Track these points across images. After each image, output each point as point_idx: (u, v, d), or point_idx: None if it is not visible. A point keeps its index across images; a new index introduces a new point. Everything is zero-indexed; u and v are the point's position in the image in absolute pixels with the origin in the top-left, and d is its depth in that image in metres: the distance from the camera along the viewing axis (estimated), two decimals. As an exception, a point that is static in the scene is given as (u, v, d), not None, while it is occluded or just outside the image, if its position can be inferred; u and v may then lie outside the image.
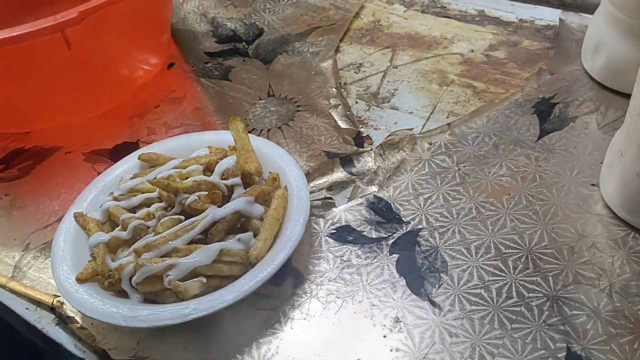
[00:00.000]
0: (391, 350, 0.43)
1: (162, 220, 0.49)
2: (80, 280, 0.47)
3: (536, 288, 0.45)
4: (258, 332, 0.45)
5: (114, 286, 0.47)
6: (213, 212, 0.48)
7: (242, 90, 0.69)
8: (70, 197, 0.59)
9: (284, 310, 0.46)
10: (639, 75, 0.45)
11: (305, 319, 0.46)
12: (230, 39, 0.77)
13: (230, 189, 0.51)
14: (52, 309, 0.49)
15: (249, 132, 0.58)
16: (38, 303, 0.50)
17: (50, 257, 0.52)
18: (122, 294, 0.47)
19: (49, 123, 0.67)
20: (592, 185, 0.52)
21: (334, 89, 0.66)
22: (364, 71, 0.69)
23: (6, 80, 0.62)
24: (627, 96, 0.55)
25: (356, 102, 0.65)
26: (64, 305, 0.49)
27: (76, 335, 0.47)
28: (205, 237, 0.48)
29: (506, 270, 0.46)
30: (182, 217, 0.50)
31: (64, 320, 0.48)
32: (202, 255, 0.46)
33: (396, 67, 0.69)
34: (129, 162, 0.57)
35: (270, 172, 0.53)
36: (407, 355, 0.42)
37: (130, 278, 0.46)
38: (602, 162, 0.53)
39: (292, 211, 0.50)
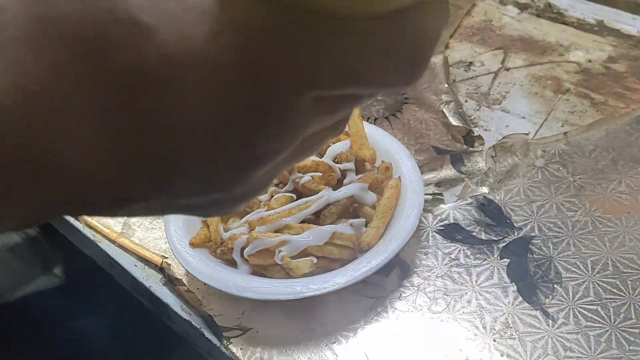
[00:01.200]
0: (502, 355, 0.42)
1: (275, 196, 0.50)
2: (193, 244, 0.48)
3: (656, 312, 0.43)
4: (363, 317, 0.45)
5: (225, 255, 0.48)
6: (328, 194, 0.48)
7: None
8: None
9: (391, 300, 0.46)
10: None
11: (411, 311, 0.45)
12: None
13: (343, 173, 0.51)
14: (160, 269, 0.50)
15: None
16: (146, 261, 0.52)
17: (158, 218, 0.53)
18: (231, 264, 0.48)
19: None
20: None
21: (445, 85, 0.65)
22: (474, 70, 0.68)
23: None
24: None
25: (466, 100, 0.64)
26: (171, 267, 0.50)
27: (183, 297, 0.48)
28: (316, 217, 0.48)
29: (625, 290, 0.45)
30: (294, 196, 0.50)
31: (172, 281, 0.49)
32: (315, 235, 0.46)
33: (508, 70, 0.68)
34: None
35: (383, 161, 0.53)
36: (517, 362, 0.41)
37: (242, 249, 0.47)
38: None
39: (405, 203, 0.49)
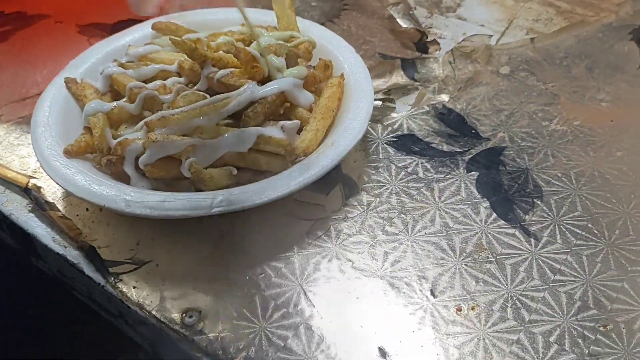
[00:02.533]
0: (477, 282, 0.32)
1: (183, 94, 0.38)
2: (69, 153, 0.36)
3: (657, 228, 0.35)
4: (297, 244, 0.35)
5: (114, 166, 0.36)
6: (252, 89, 0.37)
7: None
8: (57, 70, 0.47)
9: (333, 223, 0.36)
10: None
11: (360, 234, 0.35)
12: None
13: (270, 73, 0.40)
14: (26, 191, 0.38)
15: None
16: (8, 184, 0.39)
17: (27, 134, 0.41)
18: (122, 179, 0.36)
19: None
20: None
21: (390, -9, 0.55)
22: (423, -22, 0.59)
23: None
24: None
25: (415, 8, 0.54)
26: (41, 190, 0.38)
27: (56, 226, 0.36)
28: (236, 120, 0.37)
29: (618, 203, 0.37)
30: (208, 96, 0.38)
31: (40, 206, 0.37)
32: (235, 139, 0.35)
33: (461, -22, 0.58)
34: (140, 32, 0.46)
35: (320, 59, 0.42)
36: (499, 290, 0.32)
37: (136, 158, 0.35)
38: None
39: (350, 103, 0.39)
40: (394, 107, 0.44)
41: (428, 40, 0.49)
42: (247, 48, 0.39)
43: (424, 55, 0.48)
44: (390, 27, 0.51)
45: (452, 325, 0.31)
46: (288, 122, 0.37)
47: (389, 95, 0.45)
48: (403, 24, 0.50)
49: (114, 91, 0.40)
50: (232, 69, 0.39)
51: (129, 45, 0.43)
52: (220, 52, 0.40)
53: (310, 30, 0.44)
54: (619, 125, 0.42)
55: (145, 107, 0.38)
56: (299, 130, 0.38)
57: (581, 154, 0.40)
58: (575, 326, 0.30)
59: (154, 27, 0.45)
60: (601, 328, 0.30)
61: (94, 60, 0.43)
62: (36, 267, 0.39)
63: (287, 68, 0.40)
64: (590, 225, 0.35)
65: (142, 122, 0.36)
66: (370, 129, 0.42)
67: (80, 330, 0.43)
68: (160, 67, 0.40)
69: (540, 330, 0.30)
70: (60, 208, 0.37)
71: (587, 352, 0.29)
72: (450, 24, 0.52)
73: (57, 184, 0.34)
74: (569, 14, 0.53)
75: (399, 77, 0.46)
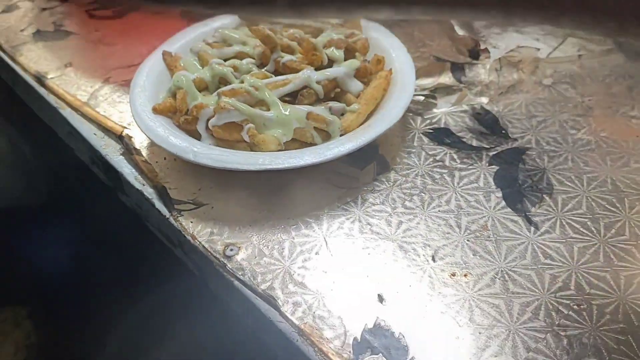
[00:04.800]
0: (474, 254, 0.38)
1: (252, 72, 0.45)
2: (156, 110, 0.44)
3: (653, 233, 0.39)
4: (328, 205, 0.41)
5: (189, 125, 0.44)
6: (309, 73, 0.44)
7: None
8: (160, 45, 0.56)
9: (362, 193, 0.42)
10: None
11: (382, 204, 0.41)
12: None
13: (331, 62, 0.47)
14: (120, 138, 0.47)
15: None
16: (107, 131, 0.48)
17: (127, 95, 0.50)
18: (194, 136, 0.44)
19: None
20: None
21: None
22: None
23: None
24: None
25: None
26: (132, 139, 0.47)
27: (139, 168, 0.45)
28: (293, 99, 0.44)
29: (621, 208, 0.40)
30: (273, 75, 0.46)
31: (129, 151, 0.46)
32: (289, 114, 0.42)
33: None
34: (229, 19, 0.54)
35: (375, 54, 0.48)
36: (490, 264, 0.37)
37: (208, 120, 0.43)
38: None
39: (392, 95, 0.45)
40: (436, 104, 0.49)
41: (480, 48, 0.54)
42: (310, 39, 0.46)
43: (474, 61, 0.53)
44: (449, 34, 0.56)
45: (445, 286, 0.36)
46: (336, 104, 0.44)
47: (434, 93, 0.50)
48: (460, 31, 0.55)
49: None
50: (297, 56, 0.46)
51: (219, 29, 0.51)
52: (289, 40, 0.47)
53: (372, 29, 0.51)
54: (639, 140, 0.45)
55: (220, 81, 0.46)
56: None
57: (599, 161, 0.44)
58: (552, 301, 0.35)
59: (241, 17, 0.53)
60: (575, 306, 0.35)
61: (188, 39, 0.51)
62: (121, 201, 0.48)
63: (345, 60, 0.47)
64: (589, 223, 0.39)
65: (216, 92, 0.44)
66: (411, 120, 0.48)
67: (149, 256, 0.51)
68: (239, 48, 0.48)
69: (520, 301, 0.35)
70: (144, 155, 0.45)
71: (557, 323, 0.34)
72: (507, 36, 0.57)
73: (143, 133, 0.43)
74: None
75: (446, 78, 0.51)
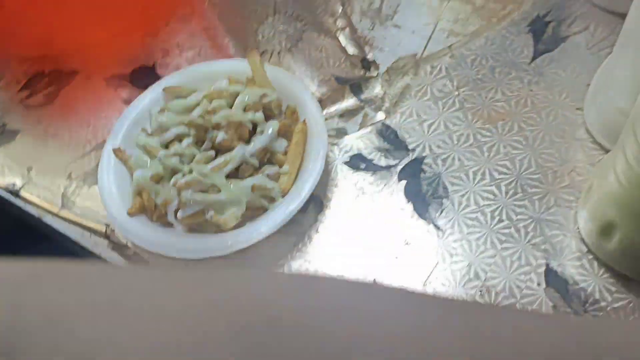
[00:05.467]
0: (403, 270, 0.51)
1: (196, 158, 0.55)
2: (131, 214, 0.54)
3: (524, 211, 0.53)
4: (289, 253, 0.54)
5: (161, 219, 0.54)
6: (242, 151, 0.54)
7: (248, 6, 0.71)
8: (99, 124, 0.64)
9: (309, 234, 0.54)
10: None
11: (327, 240, 0.54)
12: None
13: (254, 122, 0.57)
14: (106, 236, 0.57)
15: (261, 54, 0.62)
16: (91, 230, 0.58)
17: (92, 186, 0.59)
18: (168, 225, 0.54)
19: (63, 45, 0.70)
20: (577, 109, 0.58)
21: (338, 4, 0.69)
22: (367, -17, 0.71)
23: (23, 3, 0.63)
24: (617, 14, 0.60)
25: (360, 20, 0.68)
26: (115, 233, 0.57)
27: (131, 259, 0.55)
28: (236, 171, 0.55)
29: (499, 195, 0.54)
30: (213, 153, 0.55)
31: (118, 247, 0.56)
32: (237, 191, 0.53)
33: (397, -21, 0.71)
34: (154, 93, 0.61)
35: (288, 105, 0.58)
36: (415, 273, 0.51)
37: (175, 211, 0.54)
38: (588, 85, 0.58)
39: (311, 146, 0.56)
40: (346, 130, 0.60)
41: (370, 60, 0.64)
42: (234, 116, 0.55)
43: (367, 74, 0.63)
44: (340, 47, 0.65)
45: (388, 300, 0.50)
46: (271, 171, 0.54)
47: (343, 118, 0.61)
48: (349, 49, 0.65)
49: (149, 155, 0.57)
50: (226, 133, 0.55)
51: (149, 112, 0.59)
52: (219, 115, 0.56)
53: (278, 77, 0.60)
54: (509, 122, 0.58)
55: (173, 171, 0.55)
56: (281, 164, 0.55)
57: (478, 154, 0.57)
58: (463, 294, 0.50)
59: (165, 91, 0.61)
60: (479, 294, 0.50)
61: (127, 126, 0.59)
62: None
63: (265, 118, 0.57)
64: (480, 216, 0.53)
65: (172, 184, 0.54)
66: (330, 152, 0.59)
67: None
68: (177, 131, 0.57)
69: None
70: (130, 246, 0.56)
71: (467, 308, 0.49)
72: (388, 35, 0.66)
73: (134, 242, 0.53)
74: (481, 10, 0.67)
75: (350, 101, 0.62)
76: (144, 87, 0.65)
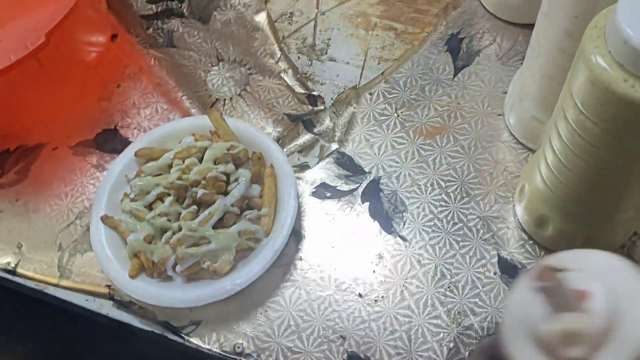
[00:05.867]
0: (381, 281, 0.60)
1: (182, 215, 0.61)
2: (132, 276, 0.60)
3: (471, 212, 0.63)
4: (281, 283, 0.61)
5: (161, 275, 0.60)
6: (223, 203, 0.61)
7: (192, 57, 0.76)
8: (77, 193, 0.68)
9: (294, 263, 0.62)
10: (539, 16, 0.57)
11: (311, 266, 0.61)
12: (161, -2, 0.81)
13: (227, 174, 0.63)
14: (110, 297, 0.62)
15: (212, 104, 0.69)
16: (94, 294, 0.63)
17: (85, 253, 0.64)
18: (167, 278, 0.60)
19: (23, 121, 0.73)
20: (499, 115, 0.68)
21: (276, 46, 0.75)
22: (296, 21, 0.78)
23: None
24: (518, 25, 0.70)
25: (298, 57, 0.75)
26: (118, 291, 0.62)
27: (138, 314, 0.61)
28: (221, 221, 0.61)
29: (449, 201, 0.63)
30: (195, 207, 0.62)
31: (124, 305, 0.61)
32: (227, 239, 0.59)
33: (323, 14, 0.78)
34: (126, 158, 0.66)
35: (254, 152, 0.65)
36: (393, 282, 0.60)
37: (172, 266, 0.60)
38: (504, 92, 0.68)
39: (282, 186, 0.63)
40: (309, 165, 0.67)
41: (316, 95, 0.71)
42: (209, 173, 0.61)
43: (315, 109, 0.70)
44: (286, 85, 0.72)
45: (374, 308, 0.59)
46: (251, 215, 0.61)
47: (302, 153, 0.68)
48: (296, 89, 0.72)
49: (136, 217, 0.63)
50: (205, 188, 0.61)
51: (125, 176, 0.65)
52: (194, 172, 0.62)
53: (238, 128, 0.66)
54: (445, 135, 0.67)
55: (162, 230, 0.61)
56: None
57: (426, 168, 0.66)
58: (435, 293, 0.59)
59: (136, 155, 0.66)
60: (448, 290, 0.59)
61: (107, 194, 0.64)
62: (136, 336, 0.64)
63: (235, 168, 0.63)
64: (437, 223, 0.62)
65: (164, 242, 0.60)
66: (298, 187, 0.66)
67: None
68: (158, 191, 0.63)
69: (418, 298, 0.59)
70: (135, 302, 0.62)
71: (446, 306, 0.58)
72: (326, 68, 0.74)
73: (140, 300, 0.59)
74: (403, 34, 0.75)
75: (305, 136, 0.69)
76: (111, 150, 0.71)
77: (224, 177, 0.62)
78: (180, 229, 0.60)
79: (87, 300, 0.63)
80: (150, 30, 0.79)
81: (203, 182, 0.62)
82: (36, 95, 0.72)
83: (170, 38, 0.78)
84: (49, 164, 0.71)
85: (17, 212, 0.68)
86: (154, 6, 0.81)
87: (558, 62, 0.54)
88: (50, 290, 0.63)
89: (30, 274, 0.64)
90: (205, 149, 0.64)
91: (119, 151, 0.69)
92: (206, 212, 0.61)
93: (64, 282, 0.63)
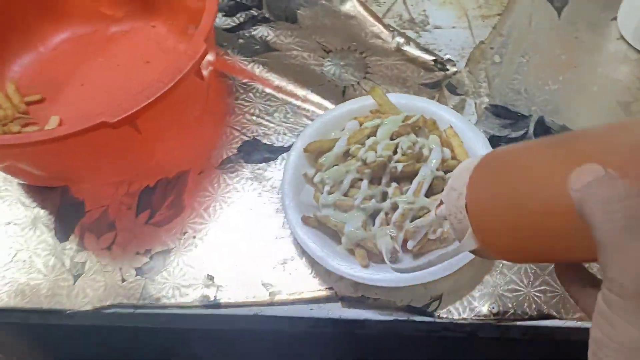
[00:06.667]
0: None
1: (390, 192, 0.59)
2: (364, 266, 0.56)
3: None
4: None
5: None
6: (429, 169, 0.59)
7: (298, 55, 0.74)
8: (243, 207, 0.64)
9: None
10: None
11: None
12: (237, 7, 0.78)
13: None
14: (339, 298, 0.58)
15: (343, 91, 0.67)
16: (318, 300, 0.58)
17: (285, 263, 0.59)
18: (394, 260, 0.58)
19: (150, 159, 0.67)
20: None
21: (378, 27, 0.75)
22: (384, 2, 0.78)
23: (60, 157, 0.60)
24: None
25: (404, 32, 0.75)
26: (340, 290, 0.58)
27: (373, 306, 0.57)
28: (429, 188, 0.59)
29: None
30: (395, 183, 0.60)
31: (356, 301, 0.58)
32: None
33: (407, -12, 0.79)
34: (295, 157, 0.63)
35: (422, 117, 0.64)
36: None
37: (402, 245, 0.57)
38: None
39: (470, 143, 0.62)
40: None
41: (444, 60, 0.72)
42: (408, 143, 0.60)
43: (448, 73, 0.71)
44: (407, 58, 0.72)
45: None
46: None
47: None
48: (425, 57, 0.72)
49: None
50: (401, 163, 0.60)
51: (309, 178, 0.61)
52: (387, 152, 0.60)
53: (399, 102, 0.65)
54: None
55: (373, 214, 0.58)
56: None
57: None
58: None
59: (306, 150, 0.62)
60: None
61: (293, 198, 0.61)
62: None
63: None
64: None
65: (379, 222, 0.57)
66: (470, 145, 0.66)
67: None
68: (351, 177, 0.60)
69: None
70: (369, 296, 0.58)
71: None
72: (437, 36, 0.75)
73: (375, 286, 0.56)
74: (495, -9, 0.78)
75: (454, 98, 0.69)
76: (260, 159, 0.67)
77: (418, 147, 0.61)
78: (394, 207, 0.58)
79: (311, 309, 0.58)
80: (242, 40, 0.76)
81: (395, 156, 0.60)
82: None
83: (266, 43, 0.75)
84: (198, 188, 0.65)
85: (186, 245, 0.62)
86: (234, 18, 0.78)
87: None
88: (255, 310, 0.58)
89: (240, 300, 0.58)
90: (376, 127, 0.62)
91: (267, 160, 0.66)
92: (414, 182, 0.59)
93: (277, 298, 0.58)
